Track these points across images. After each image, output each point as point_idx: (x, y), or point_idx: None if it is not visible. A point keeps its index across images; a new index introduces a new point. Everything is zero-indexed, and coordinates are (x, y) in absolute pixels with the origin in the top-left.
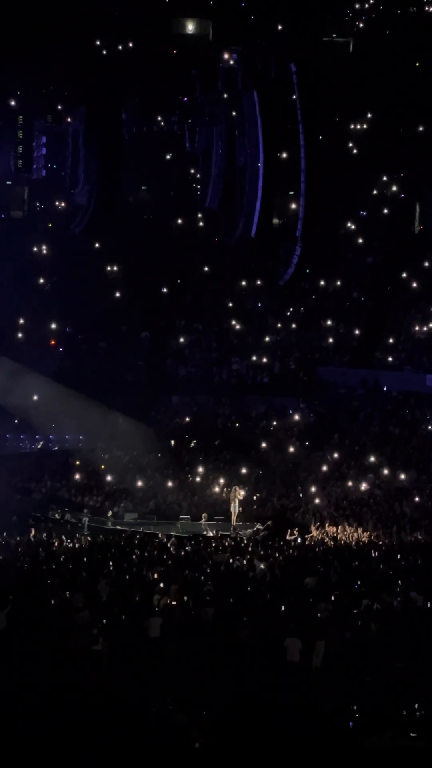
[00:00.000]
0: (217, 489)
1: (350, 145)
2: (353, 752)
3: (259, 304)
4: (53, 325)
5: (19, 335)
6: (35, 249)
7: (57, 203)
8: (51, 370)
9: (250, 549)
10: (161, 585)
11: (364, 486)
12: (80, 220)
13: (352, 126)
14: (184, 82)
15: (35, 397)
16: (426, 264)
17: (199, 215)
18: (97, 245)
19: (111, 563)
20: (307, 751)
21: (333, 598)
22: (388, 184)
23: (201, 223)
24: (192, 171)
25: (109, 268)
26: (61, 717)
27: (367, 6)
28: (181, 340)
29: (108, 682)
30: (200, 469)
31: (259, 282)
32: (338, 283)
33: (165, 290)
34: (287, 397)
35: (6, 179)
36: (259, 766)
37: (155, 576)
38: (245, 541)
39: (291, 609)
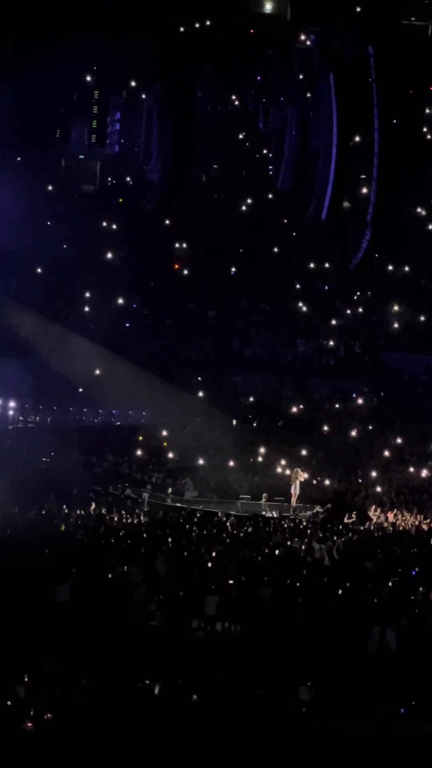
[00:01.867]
0: (278, 470)
1: (425, 130)
2: (401, 737)
3: (327, 287)
4: (120, 300)
5: (86, 309)
6: (105, 224)
7: (129, 179)
8: (117, 345)
9: (309, 531)
10: (219, 564)
11: (425, 473)
12: (151, 196)
13: (427, 111)
14: (260, 62)
15: (98, 372)
16: None
17: (270, 196)
18: (167, 222)
19: (170, 540)
20: (354, 734)
21: (390, 584)
22: None
23: (272, 205)
24: (264, 151)
25: (178, 245)
26: (116, 689)
27: None
28: (248, 320)
29: (163, 657)
30: (262, 450)
31: (327, 265)
32: (406, 268)
33: (233, 270)
34: (351, 380)
35: (79, 153)
36: (301, 746)
37: (213, 554)
38: (304, 523)
39: (348, 593)
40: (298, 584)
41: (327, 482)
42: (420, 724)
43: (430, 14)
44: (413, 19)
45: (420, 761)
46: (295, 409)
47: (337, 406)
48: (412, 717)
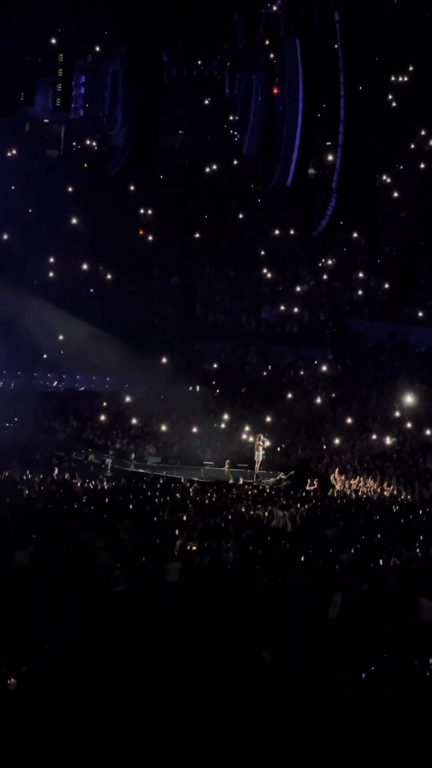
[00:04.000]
0: (242, 436)
1: (390, 97)
2: (364, 702)
3: (292, 254)
4: (84, 266)
5: (51, 274)
6: (70, 189)
7: (93, 144)
8: (81, 310)
9: (272, 498)
10: (182, 530)
11: (388, 440)
12: (116, 161)
13: (393, 78)
14: (227, 27)
15: (62, 337)
16: None
17: (236, 162)
18: (132, 188)
19: (133, 506)
20: (317, 699)
21: (352, 550)
22: (426, 139)
23: (237, 171)
24: (230, 117)
25: (143, 211)
26: (81, 655)
27: None
28: (212, 286)
29: (127, 622)
30: (226, 416)
31: (292, 232)
32: (371, 236)
33: (198, 236)
34: (315, 348)
35: (43, 117)
36: (269, 712)
37: (176, 520)
38: (268, 490)
39: (310, 559)
40: (260, 551)
41: (291, 448)
42: (380, 690)
43: None
44: None
45: (381, 726)
46: (258, 376)
47: (301, 373)
48: (372, 682)
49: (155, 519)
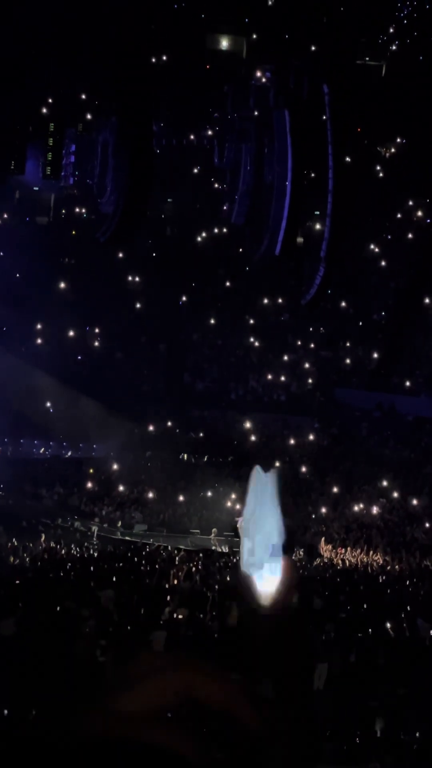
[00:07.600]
0: (228, 504)
1: (377, 168)
2: None
3: (280, 323)
4: (72, 333)
5: (39, 341)
6: (59, 256)
7: (83, 211)
8: (68, 377)
9: None
10: (168, 598)
11: (375, 509)
12: (106, 229)
13: (380, 149)
14: (216, 98)
15: (48, 404)
16: None
17: (224, 230)
18: (121, 255)
19: (118, 574)
20: None
21: (338, 620)
22: (414, 209)
23: (225, 239)
24: (219, 186)
25: (131, 279)
26: (63, 725)
27: (400, 30)
28: (200, 354)
29: (110, 693)
30: (213, 484)
31: (280, 300)
32: (359, 305)
33: (186, 303)
34: (303, 416)
35: (33, 185)
36: None
37: (162, 589)
38: None
39: (296, 629)
40: (246, 620)
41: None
42: (366, 763)
43: (384, 54)
44: (367, 59)
45: None
46: (245, 444)
47: (292, 441)
48: (357, 755)
49: (141, 587)
